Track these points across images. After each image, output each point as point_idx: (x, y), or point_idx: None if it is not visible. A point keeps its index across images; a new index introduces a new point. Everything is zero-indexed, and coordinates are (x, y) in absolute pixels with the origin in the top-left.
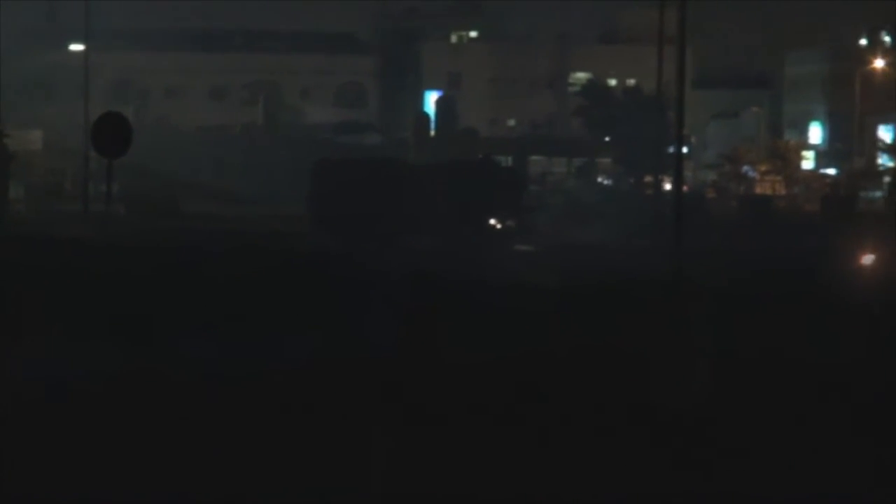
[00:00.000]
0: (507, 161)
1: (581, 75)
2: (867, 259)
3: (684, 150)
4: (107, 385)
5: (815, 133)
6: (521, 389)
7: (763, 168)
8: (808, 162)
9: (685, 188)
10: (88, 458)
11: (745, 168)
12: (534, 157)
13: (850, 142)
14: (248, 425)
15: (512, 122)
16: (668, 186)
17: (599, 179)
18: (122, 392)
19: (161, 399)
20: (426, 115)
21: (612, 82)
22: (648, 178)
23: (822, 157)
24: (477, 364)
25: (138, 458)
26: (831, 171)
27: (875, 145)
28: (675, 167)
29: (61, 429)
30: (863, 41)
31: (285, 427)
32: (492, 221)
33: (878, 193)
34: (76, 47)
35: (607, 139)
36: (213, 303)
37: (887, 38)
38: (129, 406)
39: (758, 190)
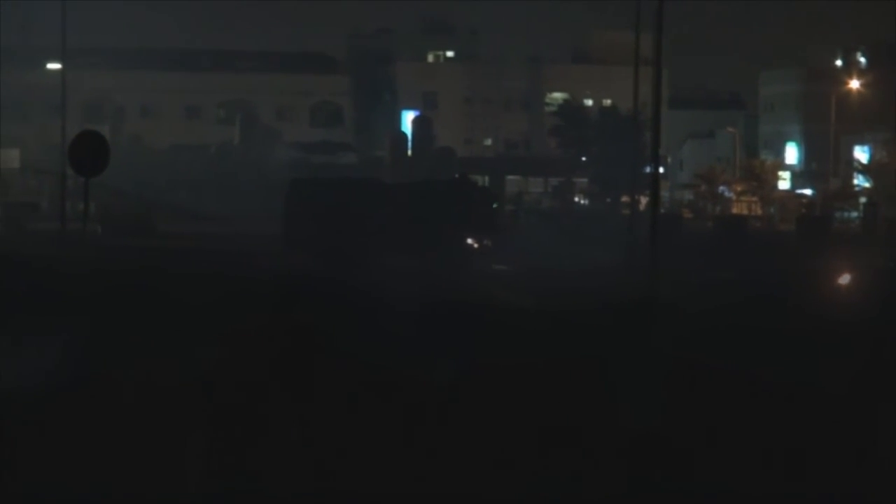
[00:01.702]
0: (483, 180)
1: (557, 95)
2: (843, 279)
3: (660, 170)
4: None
5: (791, 153)
6: (481, 405)
7: (739, 188)
8: (783, 182)
9: (661, 209)
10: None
11: (721, 188)
12: (510, 177)
13: (825, 162)
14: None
15: (488, 142)
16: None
17: (576, 199)
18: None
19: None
20: (403, 135)
21: (588, 102)
22: (625, 198)
23: (798, 177)
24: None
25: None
26: (807, 192)
27: (850, 166)
28: (652, 187)
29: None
30: (838, 62)
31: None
32: (469, 241)
33: (854, 214)
34: (52, 66)
35: (584, 159)
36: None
37: (862, 59)
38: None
39: (734, 210)
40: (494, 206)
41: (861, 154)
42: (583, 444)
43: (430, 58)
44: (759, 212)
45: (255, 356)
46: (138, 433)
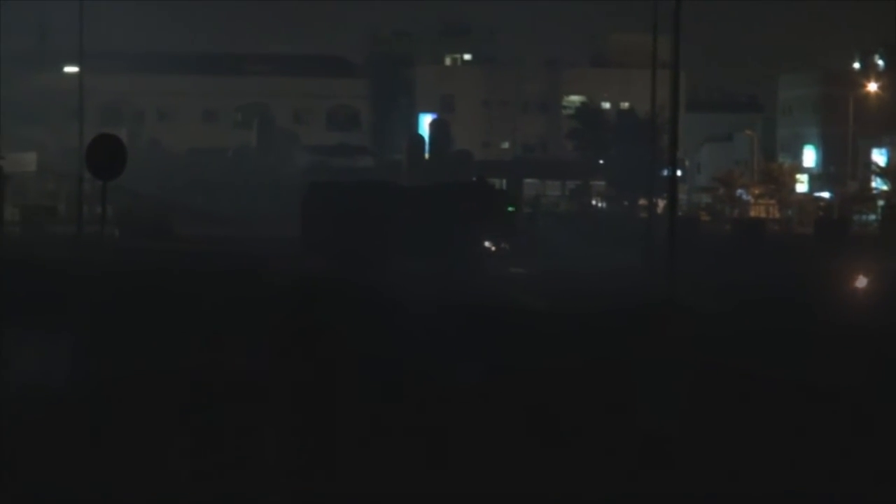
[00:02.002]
0: (500, 183)
1: (574, 98)
2: (860, 282)
3: (678, 173)
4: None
5: (809, 156)
6: (499, 411)
7: (757, 191)
8: (801, 185)
9: (679, 212)
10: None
11: (739, 191)
12: (527, 180)
13: (843, 165)
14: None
15: (505, 145)
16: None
17: (593, 202)
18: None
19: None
20: (420, 138)
21: (606, 105)
22: (642, 201)
23: (816, 180)
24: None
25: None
26: (825, 195)
27: (868, 168)
28: (669, 190)
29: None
30: (856, 65)
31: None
32: (486, 244)
33: (872, 217)
34: (70, 69)
35: (601, 162)
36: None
37: (880, 62)
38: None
39: (752, 213)
40: (511, 209)
41: (879, 157)
42: (596, 446)
43: (448, 61)
44: (777, 215)
45: (276, 358)
46: (157, 433)
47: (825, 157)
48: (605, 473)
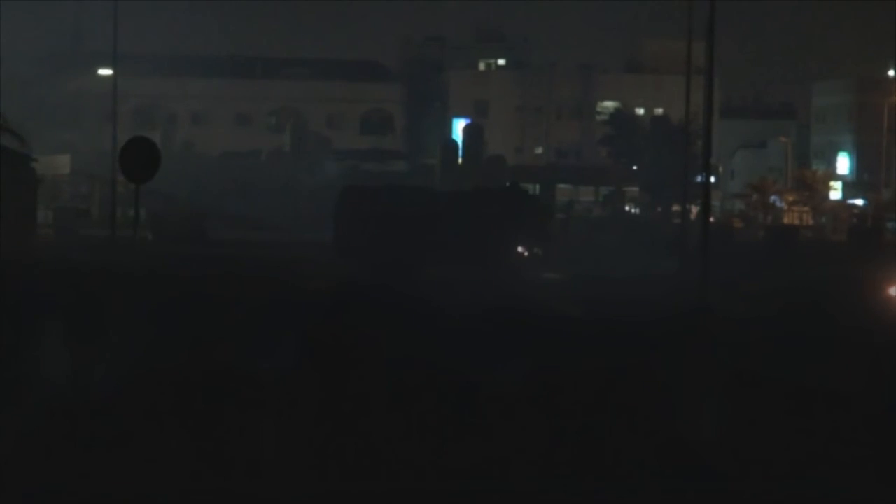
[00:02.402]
0: (534, 189)
1: (608, 104)
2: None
3: (712, 179)
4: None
5: (843, 163)
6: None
7: (790, 198)
8: (835, 192)
9: (711, 218)
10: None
11: (773, 198)
12: (561, 185)
13: (877, 172)
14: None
15: (539, 150)
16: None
17: (627, 208)
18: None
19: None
20: (454, 143)
21: (640, 111)
22: (676, 208)
23: (850, 187)
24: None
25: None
26: (858, 202)
27: None
28: (703, 196)
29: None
30: (890, 72)
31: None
32: (519, 249)
33: None
34: (104, 72)
35: (635, 168)
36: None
37: None
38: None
39: (785, 220)
40: (545, 214)
41: None
42: (630, 451)
43: (482, 66)
44: (811, 222)
45: (306, 362)
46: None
47: (859, 164)
48: (642, 478)
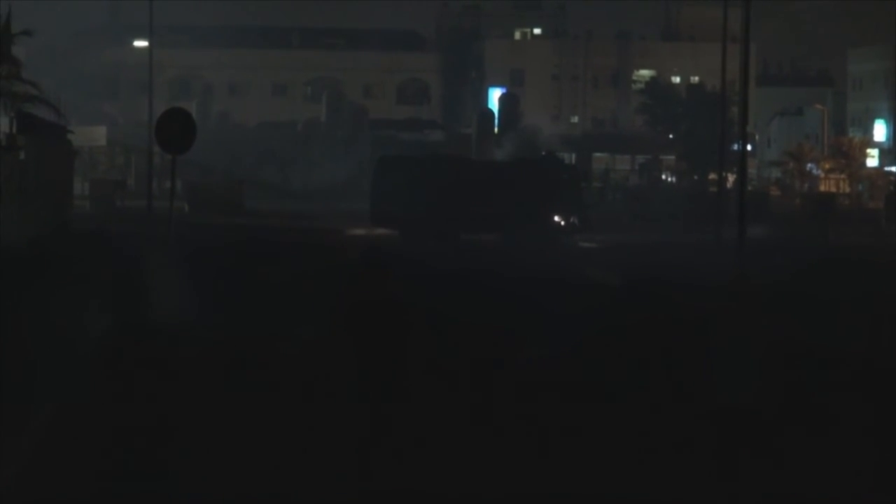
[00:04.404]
0: (570, 158)
1: (644, 72)
2: None
3: (748, 147)
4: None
5: (880, 130)
6: (567, 388)
7: (827, 165)
8: (872, 159)
9: (749, 186)
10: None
11: (809, 165)
12: (597, 154)
13: None
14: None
15: (575, 119)
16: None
17: (663, 176)
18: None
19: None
20: (490, 112)
21: (676, 79)
22: (712, 176)
23: (887, 154)
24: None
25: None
26: None
27: None
28: (739, 165)
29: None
30: None
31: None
32: (556, 218)
33: None
34: (140, 44)
35: (671, 136)
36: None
37: None
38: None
39: (822, 187)
40: (581, 183)
41: None
42: (672, 420)
43: (518, 35)
44: (848, 189)
45: (343, 331)
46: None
47: None
48: (683, 447)
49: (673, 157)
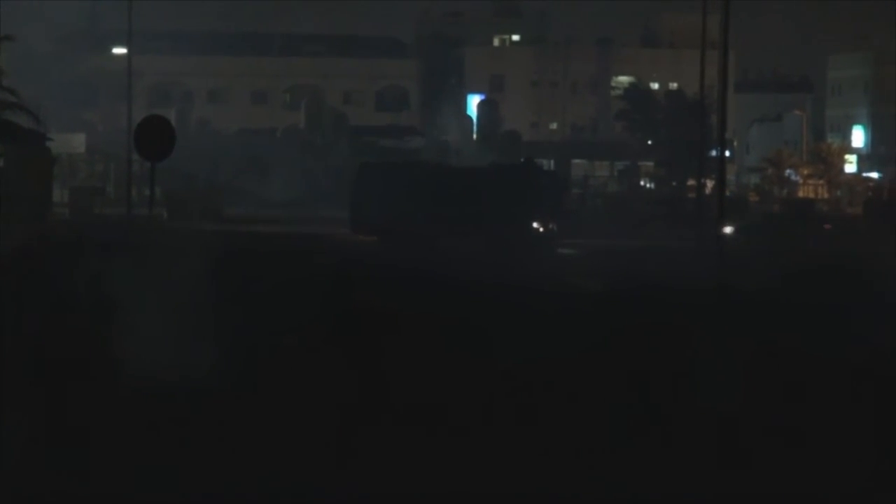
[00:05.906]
0: (549, 164)
1: (623, 79)
2: None
3: (727, 153)
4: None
5: (858, 137)
6: (545, 392)
7: (806, 171)
8: (850, 165)
9: (727, 192)
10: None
11: (788, 171)
12: (576, 161)
13: (893, 145)
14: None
15: (554, 126)
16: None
17: (642, 183)
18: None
19: None
20: (469, 119)
21: (655, 86)
22: (691, 182)
23: (865, 160)
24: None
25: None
26: (874, 175)
27: None
28: (718, 170)
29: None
30: None
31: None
32: (534, 225)
33: None
34: (118, 50)
35: (650, 142)
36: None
37: None
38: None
39: (800, 193)
40: (560, 189)
41: None
42: (659, 427)
43: (497, 41)
44: (826, 195)
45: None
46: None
47: (874, 137)
48: (668, 454)
49: (652, 164)
